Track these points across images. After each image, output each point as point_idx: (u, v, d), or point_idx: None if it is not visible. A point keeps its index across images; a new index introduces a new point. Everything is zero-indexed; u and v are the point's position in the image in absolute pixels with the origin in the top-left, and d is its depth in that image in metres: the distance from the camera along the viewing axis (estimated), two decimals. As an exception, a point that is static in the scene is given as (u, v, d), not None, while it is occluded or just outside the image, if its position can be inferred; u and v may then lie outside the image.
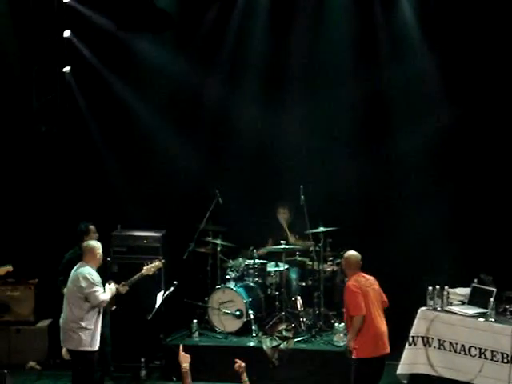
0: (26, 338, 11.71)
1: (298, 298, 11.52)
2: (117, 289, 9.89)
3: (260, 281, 11.63)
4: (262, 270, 11.66)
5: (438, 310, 10.05)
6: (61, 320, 9.40)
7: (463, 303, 10.15)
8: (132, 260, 11.31)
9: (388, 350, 9.01)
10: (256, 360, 10.01)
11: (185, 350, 7.42)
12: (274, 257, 11.76)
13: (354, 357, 8.93)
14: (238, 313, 11.25)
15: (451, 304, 10.13)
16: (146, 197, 12.40)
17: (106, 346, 10.35)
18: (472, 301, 10.08)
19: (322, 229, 11.35)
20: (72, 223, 10.85)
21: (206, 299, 11.41)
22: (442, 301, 10.08)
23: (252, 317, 11.25)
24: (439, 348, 9.96)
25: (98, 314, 9.36)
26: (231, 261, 11.78)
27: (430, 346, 10.01)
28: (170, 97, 12.49)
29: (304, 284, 11.63)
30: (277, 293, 11.46)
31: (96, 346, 9.32)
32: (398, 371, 10.11)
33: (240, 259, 11.77)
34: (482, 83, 11.52)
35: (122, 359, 11.07)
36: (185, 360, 7.35)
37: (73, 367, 9.41)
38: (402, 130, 12.02)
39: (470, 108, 11.63)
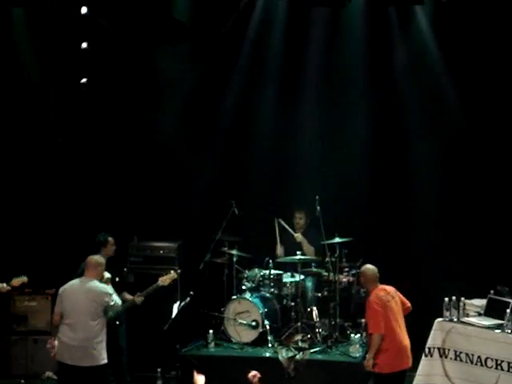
0: (44, 348, 11.65)
1: (314, 308, 11.49)
2: (132, 300, 9.91)
3: (276, 291, 11.61)
4: (277, 281, 11.65)
5: (455, 322, 10.00)
6: (72, 338, 9.00)
7: (479, 314, 10.10)
8: (148, 270, 11.34)
9: (410, 363, 9.05)
10: (272, 371, 10.00)
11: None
12: (290, 267, 11.74)
13: (375, 370, 8.94)
14: (253, 323, 11.23)
15: (467, 315, 10.08)
16: (163, 207, 12.39)
17: (122, 357, 10.39)
18: (488, 312, 10.01)
19: (337, 239, 11.34)
20: (89, 234, 10.91)
21: (222, 310, 11.40)
22: (459, 312, 10.03)
23: (268, 327, 11.22)
24: (455, 359, 9.91)
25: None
26: (247, 271, 11.76)
27: (446, 357, 9.97)
28: (185, 109, 12.50)
29: (320, 295, 11.60)
30: (292, 303, 11.44)
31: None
32: (414, 383, 10.06)
33: (256, 270, 11.76)
34: (497, 97, 11.54)
35: (139, 369, 11.07)
36: (199, 382, 7.33)
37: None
38: (417, 141, 12.01)
39: (487, 122, 11.63)
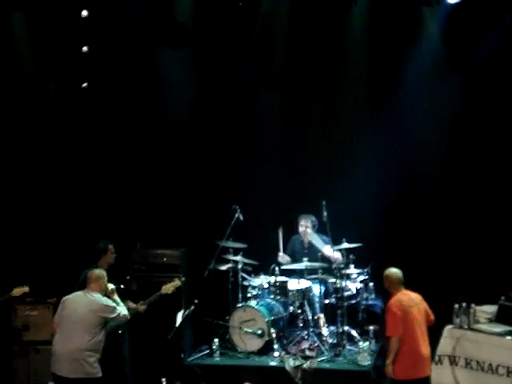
0: (46, 357, 11.55)
1: (321, 316, 11.38)
2: (135, 308, 9.81)
3: (282, 299, 11.51)
4: (283, 288, 11.53)
5: (465, 328, 9.94)
6: (64, 347, 8.95)
7: (490, 321, 10.03)
8: (152, 278, 11.28)
9: (427, 373, 9.02)
10: (278, 380, 10.00)
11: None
12: (297, 274, 11.61)
13: (392, 376, 8.86)
14: (259, 332, 11.12)
15: (478, 322, 10.02)
16: (166, 214, 12.36)
17: (125, 366, 10.32)
18: (499, 318, 9.96)
19: (345, 245, 11.21)
20: (90, 242, 10.84)
21: (227, 318, 11.32)
22: (469, 319, 9.95)
23: (274, 336, 11.11)
24: (466, 367, 9.85)
25: None
26: (252, 278, 11.68)
27: (456, 365, 9.90)
28: (188, 113, 12.47)
29: (327, 302, 11.50)
30: (299, 311, 11.36)
31: None
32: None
33: (261, 277, 11.69)
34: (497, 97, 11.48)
35: (143, 379, 10.99)
36: None
37: None
38: (426, 148, 11.93)
39: (497, 136, 11.57)
